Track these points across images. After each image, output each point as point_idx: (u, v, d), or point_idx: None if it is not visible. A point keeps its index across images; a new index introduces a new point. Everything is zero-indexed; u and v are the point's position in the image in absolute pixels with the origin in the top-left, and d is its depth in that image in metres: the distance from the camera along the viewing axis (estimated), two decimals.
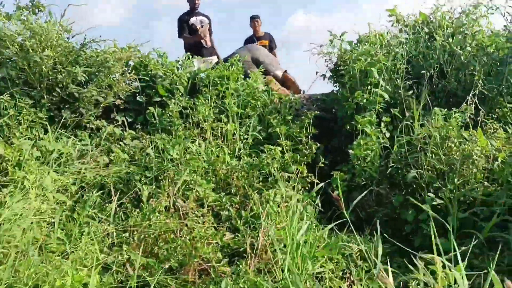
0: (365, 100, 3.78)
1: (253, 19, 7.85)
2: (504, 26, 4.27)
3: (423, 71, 4.10)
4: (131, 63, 4.37)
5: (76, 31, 3.95)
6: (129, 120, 4.11)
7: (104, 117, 4.02)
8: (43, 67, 3.52)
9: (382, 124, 3.76)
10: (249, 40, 7.82)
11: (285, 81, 5.41)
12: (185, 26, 6.54)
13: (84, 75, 3.68)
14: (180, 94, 4.23)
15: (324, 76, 4.83)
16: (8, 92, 3.40)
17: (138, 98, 4.15)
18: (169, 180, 3.23)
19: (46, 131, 3.59)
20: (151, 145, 3.63)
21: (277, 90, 4.52)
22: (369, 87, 3.86)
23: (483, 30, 4.37)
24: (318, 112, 4.03)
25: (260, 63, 5.50)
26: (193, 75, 4.47)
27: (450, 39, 4.18)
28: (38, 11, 4.08)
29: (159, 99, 4.17)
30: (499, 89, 3.94)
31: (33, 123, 3.43)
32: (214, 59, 6.34)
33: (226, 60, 5.73)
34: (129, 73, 4.06)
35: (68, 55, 3.71)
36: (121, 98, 4.01)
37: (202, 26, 6.43)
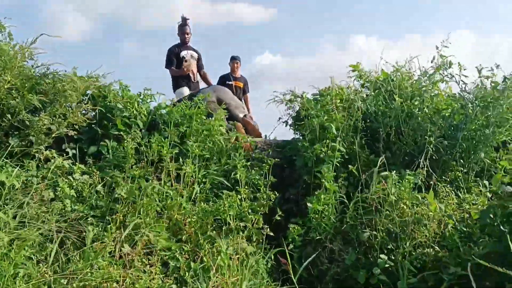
0: (323, 153, 3.80)
1: (234, 59, 8.00)
2: (459, 92, 4.46)
3: (380, 129, 4.19)
4: (89, 91, 4.23)
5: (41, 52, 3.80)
6: (82, 151, 3.94)
7: (55, 147, 3.82)
8: None
9: (340, 179, 3.77)
10: (225, 77, 7.91)
11: (245, 126, 5.39)
12: (173, 59, 6.60)
13: (39, 103, 3.50)
14: (138, 128, 4.11)
15: (286, 122, 4.86)
16: None
17: (93, 126, 3.99)
18: (118, 222, 3.07)
19: None
20: (101, 181, 3.47)
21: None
22: (327, 141, 3.89)
23: (441, 93, 4.54)
24: (278, 159, 4.01)
25: (225, 105, 5.47)
26: (154, 110, 4.36)
27: (409, 100, 4.31)
28: None
29: (116, 132, 4.02)
30: (453, 152, 4.07)
31: None
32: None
33: (190, 97, 5.68)
34: (85, 103, 3.90)
35: (26, 82, 3.53)
36: (75, 128, 3.83)
37: (186, 61, 6.45)
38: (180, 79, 6.55)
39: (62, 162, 3.45)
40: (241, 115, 5.61)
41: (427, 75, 4.36)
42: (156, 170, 3.76)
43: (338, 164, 3.85)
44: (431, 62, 4.33)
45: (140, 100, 4.38)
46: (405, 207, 3.23)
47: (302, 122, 4.38)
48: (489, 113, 4.08)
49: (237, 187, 3.63)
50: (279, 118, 5.09)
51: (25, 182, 3.22)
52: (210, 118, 4.40)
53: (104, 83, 4.32)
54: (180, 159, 3.86)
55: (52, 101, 3.66)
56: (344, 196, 3.66)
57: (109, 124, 4.08)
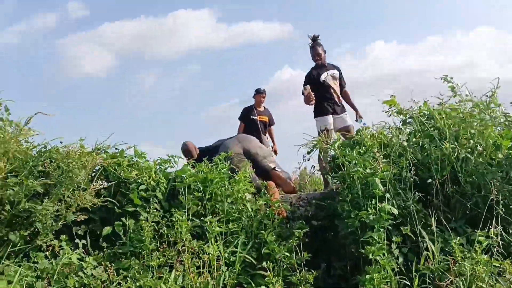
0: (371, 217, 3.22)
1: (260, 93, 7.62)
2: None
3: (429, 180, 3.60)
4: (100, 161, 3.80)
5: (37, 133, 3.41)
6: (95, 233, 3.49)
7: (66, 230, 3.39)
8: None
9: (393, 246, 3.19)
10: (248, 111, 7.52)
11: (276, 180, 4.86)
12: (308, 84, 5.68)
13: (41, 189, 3.08)
14: (156, 202, 3.64)
15: (324, 168, 4.32)
16: None
17: (107, 205, 3.53)
18: None
19: None
20: (117, 276, 2.99)
21: (272, 196, 3.93)
22: (373, 201, 3.32)
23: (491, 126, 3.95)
24: (316, 223, 3.48)
25: (252, 157, 4.98)
26: (174, 177, 3.89)
27: (464, 140, 3.73)
28: None
29: (132, 209, 3.56)
30: None
31: None
32: (346, 118, 5.70)
33: (210, 151, 5.20)
34: (95, 181, 3.45)
35: (23, 166, 3.12)
36: (86, 209, 3.40)
37: (305, 89, 5.49)
38: (323, 104, 5.62)
39: (70, 258, 2.99)
40: (271, 166, 5.10)
41: (484, 106, 3.78)
42: (179, 252, 3.26)
43: (390, 227, 3.28)
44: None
45: (159, 168, 3.93)
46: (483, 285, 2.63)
47: (340, 172, 3.84)
48: None
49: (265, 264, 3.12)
50: (313, 166, 4.59)
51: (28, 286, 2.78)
52: (235, 176, 3.91)
53: (116, 151, 3.92)
54: (205, 234, 3.37)
55: (56, 184, 3.24)
56: (402, 268, 3.09)
57: (123, 200, 3.63)
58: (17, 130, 3.36)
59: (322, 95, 5.66)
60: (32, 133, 3.44)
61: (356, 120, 5.72)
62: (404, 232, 3.22)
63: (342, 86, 5.91)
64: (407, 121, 4.18)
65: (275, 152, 7.68)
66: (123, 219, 3.46)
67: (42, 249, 3.20)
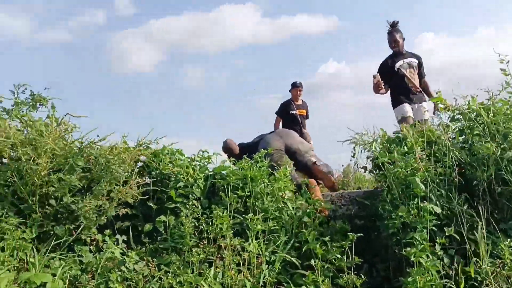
0: (412, 218, 3.12)
1: (296, 87, 7.53)
2: None
3: (478, 178, 3.46)
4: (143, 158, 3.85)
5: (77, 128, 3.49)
6: (137, 229, 3.54)
7: (109, 224, 3.46)
8: (35, 178, 2.99)
9: (437, 247, 3.09)
10: (287, 106, 7.47)
11: (316, 174, 4.80)
12: (384, 73, 5.49)
13: (81, 184, 3.14)
14: (195, 198, 3.65)
15: (365, 168, 4.22)
16: None
17: (147, 202, 3.58)
18: None
19: (38, 250, 3.04)
20: (158, 271, 3.02)
21: (313, 194, 3.88)
22: (415, 200, 3.22)
23: None
24: (358, 222, 3.40)
25: (293, 152, 4.94)
26: (213, 174, 3.89)
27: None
28: (40, 105, 3.64)
29: (172, 205, 3.59)
30: None
31: (18, 246, 2.87)
32: (423, 110, 5.40)
33: (250, 147, 5.15)
34: (136, 175, 3.49)
35: (65, 161, 3.19)
36: (127, 204, 3.45)
37: (374, 77, 5.31)
38: (398, 93, 5.42)
39: (113, 252, 3.04)
40: (312, 160, 5.02)
41: None
42: (219, 248, 3.26)
43: (434, 228, 3.17)
44: None
45: (197, 164, 3.95)
46: None
47: (380, 172, 3.76)
48: None
49: (313, 262, 3.08)
50: (356, 163, 4.49)
51: (71, 281, 2.84)
52: (275, 173, 3.87)
53: (157, 148, 3.96)
54: (245, 232, 3.36)
55: (97, 178, 3.30)
56: (447, 269, 2.98)
57: (164, 196, 3.67)
58: (62, 127, 3.46)
59: (396, 84, 5.45)
60: (75, 130, 3.53)
61: (434, 113, 5.34)
62: (448, 234, 3.12)
63: (421, 76, 5.61)
64: (456, 117, 4.03)
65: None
66: (162, 216, 3.50)
67: (86, 243, 3.28)
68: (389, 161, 3.61)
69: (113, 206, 3.29)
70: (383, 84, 5.31)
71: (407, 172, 3.37)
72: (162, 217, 3.51)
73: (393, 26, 5.60)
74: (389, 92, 5.58)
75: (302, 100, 7.63)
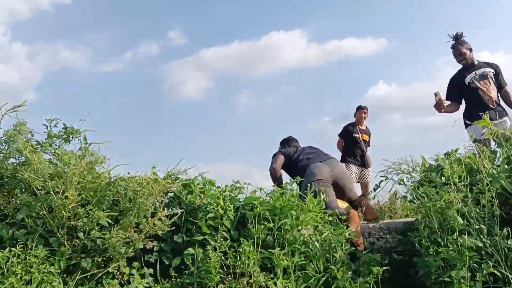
0: (450, 253, 2.89)
1: (361, 109, 7.36)
2: None
3: None
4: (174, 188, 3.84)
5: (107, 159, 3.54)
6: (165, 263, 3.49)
7: (138, 256, 3.44)
8: (63, 211, 3.02)
9: (478, 285, 2.84)
10: (350, 130, 7.31)
11: (361, 206, 4.62)
12: (451, 89, 5.23)
13: (108, 219, 3.14)
14: (224, 230, 3.58)
15: (404, 197, 4.02)
16: (20, 243, 2.92)
17: (175, 238, 3.53)
18: None
19: (66, 283, 3.05)
20: None
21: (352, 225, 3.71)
22: (454, 235, 3.00)
23: None
24: (396, 256, 3.18)
25: (340, 186, 4.75)
26: (243, 204, 3.81)
27: None
28: (72, 137, 3.73)
29: (200, 238, 3.52)
30: None
31: (46, 279, 2.89)
32: (506, 124, 4.86)
33: (296, 166, 5.00)
34: (164, 207, 3.47)
35: (94, 194, 3.22)
36: (157, 237, 3.43)
37: (436, 94, 4.91)
38: (472, 110, 4.88)
39: (137, 286, 3.00)
40: (357, 194, 4.89)
41: None
42: (247, 285, 3.15)
43: (475, 265, 2.92)
44: None
45: (228, 195, 3.88)
46: None
47: (415, 205, 3.56)
48: None
49: None
50: (395, 193, 4.31)
51: None
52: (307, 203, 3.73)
53: (188, 178, 3.94)
54: (274, 267, 3.23)
55: (124, 211, 3.29)
56: None
57: (193, 228, 3.62)
58: (90, 159, 3.50)
59: (470, 99, 5.04)
60: (105, 161, 3.57)
61: None
62: (488, 271, 2.86)
63: (501, 85, 5.08)
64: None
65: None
66: (190, 248, 3.44)
67: (114, 276, 3.26)
68: (427, 192, 3.41)
69: (141, 238, 3.27)
70: (444, 102, 4.94)
71: (443, 204, 3.16)
72: (190, 250, 3.45)
73: (457, 38, 5.23)
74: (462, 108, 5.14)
75: (366, 126, 7.46)
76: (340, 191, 4.73)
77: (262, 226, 3.44)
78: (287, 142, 5.51)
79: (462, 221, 3.04)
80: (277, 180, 5.01)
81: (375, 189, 3.98)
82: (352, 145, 7.34)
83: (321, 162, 4.82)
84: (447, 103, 4.98)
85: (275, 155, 5.23)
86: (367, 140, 7.43)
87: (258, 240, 3.40)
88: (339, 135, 7.54)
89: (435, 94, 4.94)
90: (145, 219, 3.30)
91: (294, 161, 5.07)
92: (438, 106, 4.93)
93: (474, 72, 5.06)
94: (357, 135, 7.28)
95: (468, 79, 5.06)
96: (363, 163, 7.41)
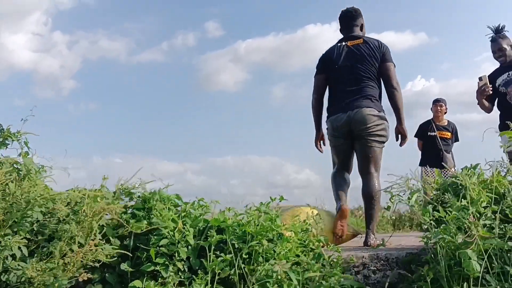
0: None
1: (437, 102, 6.58)
2: None
3: None
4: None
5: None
6: None
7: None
8: None
9: None
10: (424, 127, 6.62)
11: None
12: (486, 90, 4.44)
13: (23, 247, 2.52)
14: (181, 259, 2.90)
15: (411, 220, 3.24)
16: None
17: (122, 267, 2.88)
18: None
19: None
20: None
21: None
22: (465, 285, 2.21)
23: None
24: None
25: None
26: (208, 226, 3.11)
27: None
28: (11, 141, 3.14)
29: (151, 267, 2.86)
30: None
31: None
32: None
33: None
34: (97, 233, 2.82)
35: (10, 216, 2.60)
36: (104, 264, 2.78)
37: (480, 79, 4.35)
38: (502, 115, 4.36)
39: None
40: None
41: None
42: None
43: None
44: None
45: (191, 215, 3.18)
46: None
47: (423, 235, 2.78)
48: None
49: None
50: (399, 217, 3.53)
51: None
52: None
53: (147, 190, 3.27)
54: None
55: (56, 236, 2.66)
56: None
57: (144, 255, 2.95)
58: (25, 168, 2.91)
59: (499, 104, 4.47)
60: (42, 171, 2.97)
61: None
62: None
63: None
64: None
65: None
66: (137, 281, 2.79)
67: None
68: (440, 217, 2.64)
69: (70, 271, 2.63)
70: (489, 88, 4.28)
71: (456, 241, 2.36)
72: (136, 283, 2.80)
73: (498, 31, 4.54)
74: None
75: (448, 121, 6.63)
76: None
77: (220, 259, 2.74)
78: None
79: (479, 269, 2.24)
80: None
81: (387, 209, 3.24)
82: (429, 145, 6.57)
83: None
84: (490, 90, 4.26)
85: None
86: (449, 137, 6.58)
87: (215, 275, 2.71)
88: (415, 135, 6.77)
89: (480, 79, 4.31)
90: (77, 245, 2.66)
91: None
92: (481, 93, 4.29)
93: (507, 73, 4.39)
94: (432, 133, 6.53)
95: (499, 81, 4.41)
96: (441, 164, 6.27)
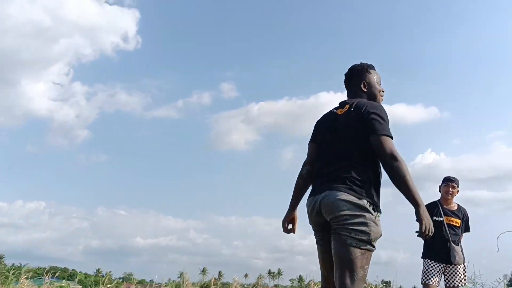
0: None
1: (450, 182, 5.20)
2: None
3: None
4: None
5: None
6: None
7: None
8: None
9: None
10: (431, 208, 5.05)
11: None
12: None
13: None
14: None
15: None
16: None
17: None
18: None
19: None
20: None
21: None
22: None
23: None
24: None
25: None
26: None
27: None
28: None
29: None
30: None
31: None
32: None
33: None
34: None
35: None
36: None
37: None
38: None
39: None
40: None
41: None
42: None
43: None
44: None
45: None
46: None
47: None
48: None
49: None
50: None
51: None
52: None
53: None
54: None
55: None
56: None
57: None
58: None
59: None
60: None
61: None
62: None
63: None
64: None
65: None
66: None
67: None
68: None
69: None
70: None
71: None
72: None
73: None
74: None
75: (457, 205, 5.28)
76: None
77: None
78: None
79: None
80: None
81: None
82: (434, 232, 4.72)
83: None
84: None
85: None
86: (458, 225, 5.18)
87: None
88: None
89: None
90: None
91: None
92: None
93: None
94: (439, 218, 5.14)
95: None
96: (448, 258, 5.14)
